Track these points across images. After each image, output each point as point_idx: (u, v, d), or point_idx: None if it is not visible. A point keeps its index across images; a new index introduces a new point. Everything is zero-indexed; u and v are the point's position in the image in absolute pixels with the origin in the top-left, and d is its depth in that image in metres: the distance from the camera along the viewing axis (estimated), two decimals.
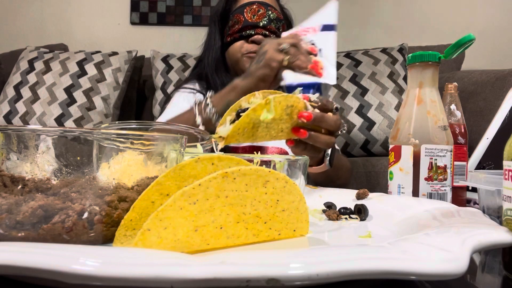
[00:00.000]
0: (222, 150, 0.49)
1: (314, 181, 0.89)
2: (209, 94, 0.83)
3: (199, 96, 1.05)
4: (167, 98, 1.15)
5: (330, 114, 0.58)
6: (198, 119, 0.79)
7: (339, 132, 0.62)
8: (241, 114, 0.48)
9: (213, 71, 1.08)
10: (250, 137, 0.49)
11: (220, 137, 0.48)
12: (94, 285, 0.20)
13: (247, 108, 0.48)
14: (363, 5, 2.09)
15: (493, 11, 2.00)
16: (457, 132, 0.69)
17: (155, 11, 2.13)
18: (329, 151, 0.72)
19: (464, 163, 0.67)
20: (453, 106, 0.70)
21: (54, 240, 0.27)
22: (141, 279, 0.19)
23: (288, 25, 1.14)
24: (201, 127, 0.76)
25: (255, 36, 1.03)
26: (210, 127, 0.78)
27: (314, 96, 0.57)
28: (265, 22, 1.03)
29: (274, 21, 1.04)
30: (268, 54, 0.75)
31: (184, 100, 1.06)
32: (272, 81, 0.76)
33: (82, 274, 0.19)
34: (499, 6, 1.99)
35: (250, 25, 1.03)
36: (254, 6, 1.04)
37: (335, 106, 0.61)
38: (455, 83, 0.71)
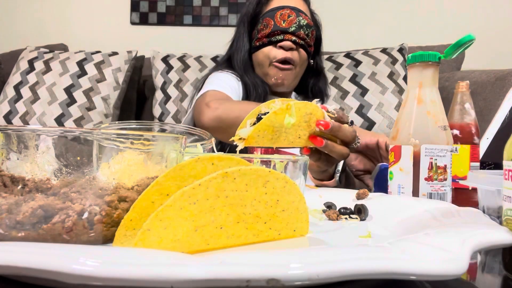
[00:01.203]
0: (241, 151, 0.49)
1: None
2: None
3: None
4: (201, 84, 1.14)
5: (346, 125, 0.59)
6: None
7: (354, 145, 0.62)
8: (262, 117, 0.49)
9: (243, 73, 1.07)
10: (270, 141, 0.50)
11: (240, 138, 0.49)
12: (94, 285, 0.20)
13: (267, 113, 0.49)
14: (363, 5, 2.09)
15: (493, 11, 2.00)
16: (473, 132, 0.66)
17: (155, 11, 2.13)
18: (340, 167, 0.74)
19: (478, 163, 0.66)
20: (467, 105, 0.68)
21: (54, 240, 0.27)
22: (141, 279, 0.19)
23: (317, 31, 1.13)
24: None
25: (284, 42, 1.01)
26: None
27: (331, 107, 0.58)
28: (295, 28, 1.01)
29: (304, 27, 1.02)
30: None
31: (231, 79, 1.06)
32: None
33: (82, 274, 0.19)
34: (499, 6, 1.99)
35: (279, 30, 1.02)
36: (285, 11, 1.02)
37: (350, 120, 0.62)
38: (467, 81, 0.69)
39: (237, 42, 1.11)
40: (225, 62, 1.15)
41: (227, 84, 1.03)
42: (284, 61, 1.03)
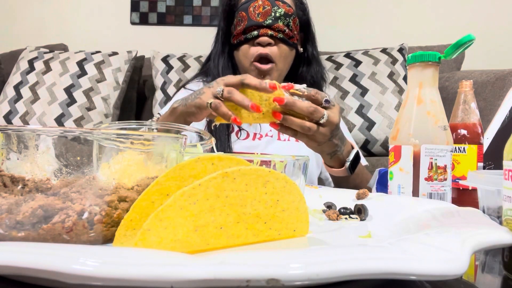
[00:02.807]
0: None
1: (336, 182, 0.92)
2: (155, 117, 0.84)
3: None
4: (168, 98, 1.13)
5: (301, 100, 0.64)
6: None
7: (320, 121, 0.66)
8: None
9: (219, 72, 1.00)
10: (235, 115, 0.63)
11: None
12: (94, 285, 0.20)
13: None
14: (363, 5, 2.09)
15: (493, 11, 2.00)
16: (479, 132, 0.66)
17: (155, 11, 2.13)
18: (351, 157, 0.76)
19: (482, 164, 0.66)
20: (473, 104, 0.67)
21: (54, 240, 0.27)
22: (141, 279, 0.19)
23: (302, 16, 1.02)
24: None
25: (260, 38, 0.93)
26: None
27: (300, 86, 0.66)
28: (271, 21, 0.92)
29: (281, 18, 0.93)
30: (202, 96, 0.69)
31: None
32: (203, 116, 0.71)
33: (82, 274, 0.19)
34: (499, 6, 1.99)
35: (254, 25, 0.93)
36: (258, 2, 0.93)
37: (325, 98, 0.66)
38: (471, 80, 0.68)
39: (216, 44, 1.04)
40: (206, 64, 1.11)
41: None
42: (263, 59, 0.95)
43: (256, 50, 0.94)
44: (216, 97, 0.66)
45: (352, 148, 0.81)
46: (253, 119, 0.63)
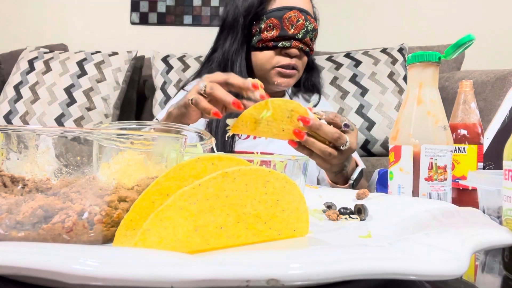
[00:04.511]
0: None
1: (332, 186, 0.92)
2: (155, 120, 0.83)
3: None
4: (168, 98, 1.12)
5: (327, 125, 0.62)
6: None
7: (342, 147, 0.65)
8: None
9: (236, 72, 0.96)
10: (253, 130, 0.58)
11: (228, 127, 0.58)
12: (94, 285, 0.20)
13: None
14: (363, 5, 2.09)
15: (493, 11, 2.00)
16: (479, 132, 0.66)
17: (155, 11, 2.13)
18: (355, 175, 0.77)
19: (482, 163, 0.66)
20: (473, 104, 0.67)
21: (54, 240, 0.27)
22: (141, 279, 0.19)
23: (317, 32, 1.06)
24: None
25: (291, 50, 0.95)
26: None
27: (318, 109, 0.64)
28: (303, 35, 0.95)
29: (310, 32, 0.96)
30: (188, 94, 0.70)
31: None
32: (196, 117, 0.72)
33: (82, 274, 0.19)
34: (499, 6, 1.99)
35: (287, 35, 0.94)
36: (293, 14, 0.94)
37: (344, 122, 0.66)
38: (471, 80, 0.68)
39: (231, 39, 1.01)
40: (206, 63, 1.09)
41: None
42: (288, 66, 0.98)
43: (284, 60, 0.97)
44: (199, 94, 0.67)
45: (357, 165, 0.81)
46: (272, 134, 0.60)
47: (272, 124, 0.58)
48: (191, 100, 0.66)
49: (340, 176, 0.75)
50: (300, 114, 0.59)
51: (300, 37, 0.95)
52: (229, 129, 0.57)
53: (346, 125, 0.66)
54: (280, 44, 0.95)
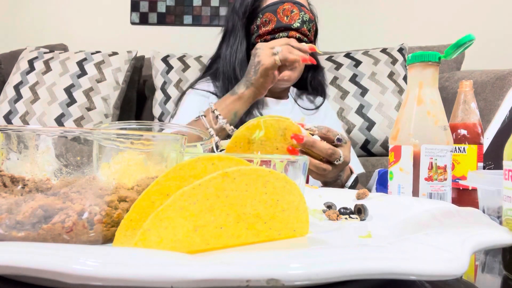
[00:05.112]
0: None
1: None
2: (212, 105, 0.85)
3: (209, 102, 1.00)
4: (180, 96, 1.11)
5: (321, 141, 0.64)
6: (211, 131, 0.82)
7: (336, 162, 0.66)
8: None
9: (239, 72, 1.00)
10: (247, 150, 0.58)
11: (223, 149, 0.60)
12: (94, 285, 0.20)
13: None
14: (363, 5, 2.09)
15: (493, 11, 2.00)
16: (479, 132, 0.66)
17: (155, 11, 2.13)
18: (349, 183, 0.78)
19: (482, 163, 0.66)
20: (473, 104, 0.67)
21: (54, 240, 0.27)
22: (141, 279, 0.19)
23: (316, 24, 1.09)
24: (216, 138, 0.80)
25: None
26: (223, 134, 0.85)
27: (310, 125, 0.65)
28: (299, 24, 0.97)
29: (306, 22, 0.98)
30: (263, 63, 0.81)
31: (196, 105, 1.02)
32: (272, 83, 0.81)
33: (82, 274, 0.19)
34: (499, 7, 1.99)
35: (283, 26, 0.97)
36: (287, 6, 0.97)
37: (337, 137, 0.66)
38: (471, 80, 0.69)
39: (231, 38, 1.04)
40: (212, 64, 1.11)
41: (191, 114, 0.95)
42: None
43: None
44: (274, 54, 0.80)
45: (351, 172, 0.81)
46: (266, 152, 0.61)
47: (265, 143, 0.59)
48: (277, 60, 0.79)
49: (335, 185, 0.76)
50: (293, 132, 0.60)
51: (296, 26, 0.97)
52: (222, 151, 0.57)
53: (338, 139, 0.66)
54: (277, 36, 0.98)
